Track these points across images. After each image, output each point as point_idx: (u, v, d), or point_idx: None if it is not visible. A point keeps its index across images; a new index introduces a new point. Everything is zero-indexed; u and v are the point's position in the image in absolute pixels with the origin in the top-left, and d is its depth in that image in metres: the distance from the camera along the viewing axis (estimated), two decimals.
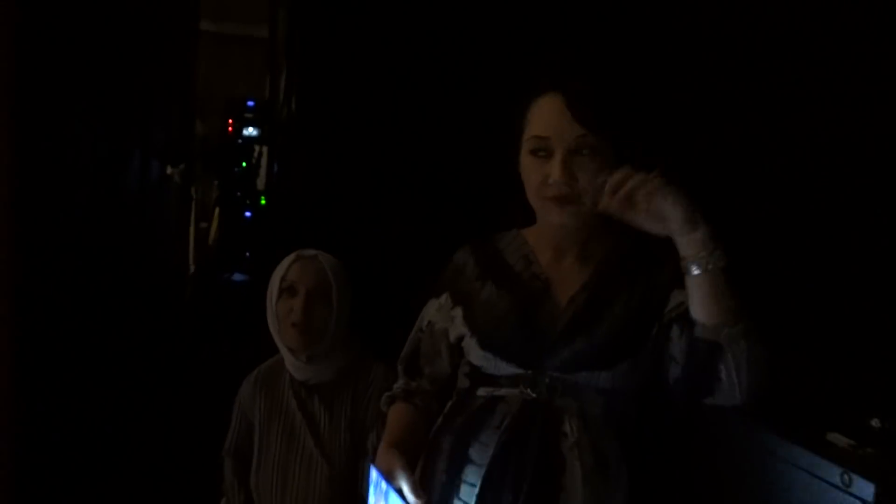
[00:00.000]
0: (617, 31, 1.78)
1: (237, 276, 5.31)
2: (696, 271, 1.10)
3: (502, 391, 1.24)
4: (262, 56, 5.73)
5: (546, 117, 1.19)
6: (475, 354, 1.27)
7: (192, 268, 4.92)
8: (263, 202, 5.09)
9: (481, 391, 1.27)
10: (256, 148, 4.73)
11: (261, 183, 5.37)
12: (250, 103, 5.08)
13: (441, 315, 1.35)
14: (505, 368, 1.24)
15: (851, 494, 0.98)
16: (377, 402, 1.71)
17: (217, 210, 5.29)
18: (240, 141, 4.67)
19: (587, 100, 1.17)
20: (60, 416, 2.36)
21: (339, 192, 4.06)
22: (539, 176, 1.20)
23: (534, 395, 1.21)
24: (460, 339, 1.31)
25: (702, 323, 1.11)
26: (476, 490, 1.21)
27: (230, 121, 4.98)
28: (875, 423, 1.04)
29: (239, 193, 4.88)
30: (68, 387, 2.43)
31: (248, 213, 5.25)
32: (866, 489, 0.97)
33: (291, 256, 1.77)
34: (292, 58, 5.25)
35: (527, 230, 1.32)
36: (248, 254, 5.32)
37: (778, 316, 1.15)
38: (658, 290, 1.21)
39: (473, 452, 1.23)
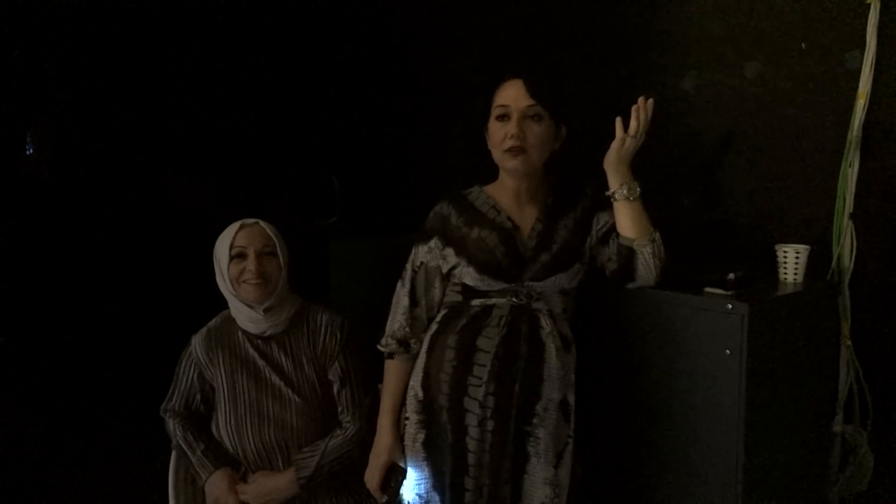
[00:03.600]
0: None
1: None
2: (623, 198, 1.66)
3: (492, 300, 1.69)
4: None
5: (508, 93, 1.67)
6: (471, 277, 1.70)
7: None
8: None
9: (475, 301, 1.70)
10: None
11: None
12: None
13: (432, 255, 1.76)
14: (494, 285, 1.69)
15: (733, 315, 1.57)
16: (332, 339, 2.00)
17: None
18: None
19: (538, 83, 1.67)
20: None
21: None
22: (501, 134, 1.67)
23: (517, 301, 1.69)
24: (452, 269, 1.74)
25: (623, 235, 1.69)
26: (487, 368, 1.64)
27: None
28: (731, 276, 1.67)
29: None
30: None
31: None
32: (742, 308, 1.56)
33: (235, 225, 1.94)
34: None
35: (488, 187, 1.79)
36: None
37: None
38: (585, 214, 1.75)
39: (481, 342, 1.66)
